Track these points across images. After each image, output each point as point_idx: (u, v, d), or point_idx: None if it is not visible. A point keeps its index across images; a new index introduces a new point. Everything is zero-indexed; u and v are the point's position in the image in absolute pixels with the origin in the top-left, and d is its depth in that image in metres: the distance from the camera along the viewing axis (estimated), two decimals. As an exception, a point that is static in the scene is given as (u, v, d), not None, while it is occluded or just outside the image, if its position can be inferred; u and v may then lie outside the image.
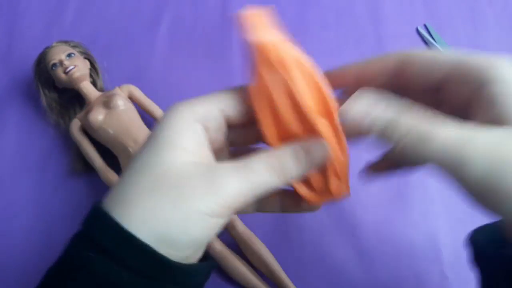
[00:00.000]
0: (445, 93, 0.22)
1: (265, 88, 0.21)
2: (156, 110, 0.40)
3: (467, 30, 0.45)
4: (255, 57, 0.21)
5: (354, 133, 0.21)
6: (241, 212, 0.26)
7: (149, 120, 0.40)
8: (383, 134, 0.20)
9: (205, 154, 0.21)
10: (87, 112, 0.38)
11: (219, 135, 0.22)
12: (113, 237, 0.18)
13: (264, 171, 0.20)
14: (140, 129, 0.38)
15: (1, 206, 0.39)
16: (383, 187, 0.38)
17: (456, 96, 0.22)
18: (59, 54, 0.39)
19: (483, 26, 0.46)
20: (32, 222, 0.39)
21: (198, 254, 0.21)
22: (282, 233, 0.37)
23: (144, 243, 0.18)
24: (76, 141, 0.39)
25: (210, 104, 0.21)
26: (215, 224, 0.19)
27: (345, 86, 0.25)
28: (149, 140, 0.20)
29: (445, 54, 0.22)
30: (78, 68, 0.39)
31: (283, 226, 0.37)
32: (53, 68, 0.39)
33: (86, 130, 0.39)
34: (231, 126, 0.22)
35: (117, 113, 0.37)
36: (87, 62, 0.41)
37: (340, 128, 0.22)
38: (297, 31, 0.46)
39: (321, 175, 0.23)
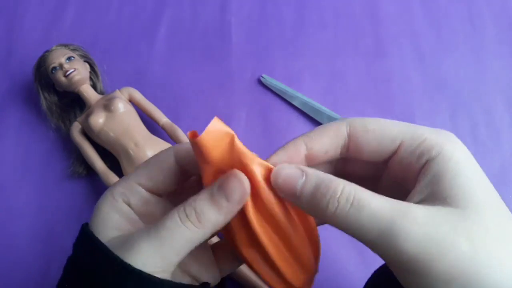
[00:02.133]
0: (391, 165, 0.21)
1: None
2: (156, 112, 0.40)
3: (466, 29, 0.46)
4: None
5: (286, 196, 0.20)
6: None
7: (149, 122, 0.40)
8: (315, 196, 0.19)
9: (128, 225, 0.21)
10: (88, 115, 0.38)
11: (147, 205, 0.22)
12: None
13: (180, 225, 0.19)
14: (140, 132, 0.38)
15: (3, 210, 0.39)
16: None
17: (401, 169, 0.20)
18: (59, 57, 0.39)
19: (481, 25, 0.46)
20: (33, 225, 0.39)
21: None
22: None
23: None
24: (77, 144, 0.39)
25: (129, 182, 0.22)
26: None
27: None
28: (95, 215, 0.22)
29: (398, 124, 0.21)
30: (78, 71, 0.39)
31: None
32: (53, 71, 0.39)
33: (87, 133, 0.39)
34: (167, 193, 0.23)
35: (118, 116, 0.37)
36: (87, 65, 0.41)
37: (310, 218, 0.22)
38: (295, 31, 0.46)
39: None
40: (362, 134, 0.21)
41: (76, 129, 0.39)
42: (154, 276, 0.19)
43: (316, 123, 0.41)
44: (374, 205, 0.18)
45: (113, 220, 0.21)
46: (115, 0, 0.48)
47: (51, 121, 0.41)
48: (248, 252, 0.22)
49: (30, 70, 0.42)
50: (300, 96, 0.42)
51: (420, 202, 0.19)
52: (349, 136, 0.21)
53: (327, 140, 0.21)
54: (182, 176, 0.23)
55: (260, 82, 0.44)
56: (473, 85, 0.43)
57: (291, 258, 0.22)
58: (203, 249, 0.24)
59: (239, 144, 0.20)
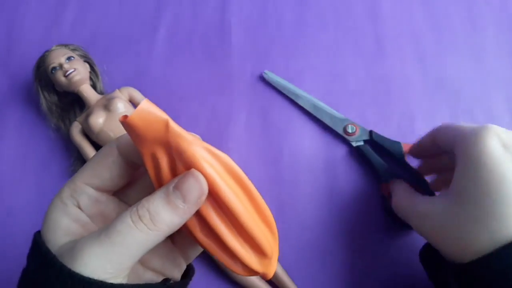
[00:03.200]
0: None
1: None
2: (156, 112, 0.40)
3: (466, 30, 0.46)
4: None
5: None
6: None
7: (149, 122, 0.40)
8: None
9: (79, 229, 0.21)
10: (88, 115, 0.38)
11: (98, 204, 0.21)
12: None
13: (132, 227, 0.18)
14: (140, 132, 0.38)
15: (3, 209, 0.39)
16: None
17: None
18: (59, 57, 0.39)
19: (481, 25, 0.46)
20: (33, 226, 0.38)
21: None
22: (283, 233, 0.37)
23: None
24: (77, 144, 0.39)
25: (75, 182, 0.21)
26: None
27: (419, 153, 0.34)
28: (44, 221, 0.21)
29: (454, 130, 0.27)
30: (78, 71, 0.39)
31: (285, 227, 0.37)
32: (53, 71, 0.39)
33: (87, 133, 0.39)
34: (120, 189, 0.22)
35: (118, 115, 0.37)
36: (87, 65, 0.41)
37: (259, 198, 0.21)
38: (295, 31, 0.46)
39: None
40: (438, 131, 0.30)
41: (76, 129, 0.39)
42: (106, 282, 0.18)
43: (318, 121, 0.41)
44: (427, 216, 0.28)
45: (62, 225, 0.20)
46: (115, 0, 0.48)
47: (51, 121, 0.41)
48: (201, 237, 0.21)
49: (30, 70, 0.42)
50: (302, 94, 0.42)
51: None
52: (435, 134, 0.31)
53: (429, 135, 0.32)
54: (129, 168, 0.22)
55: (260, 81, 0.44)
56: (473, 85, 0.43)
57: (245, 242, 0.21)
58: (161, 242, 0.23)
59: (175, 127, 0.19)
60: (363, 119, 0.41)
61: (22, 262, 0.37)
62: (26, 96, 0.44)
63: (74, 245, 0.19)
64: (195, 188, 0.18)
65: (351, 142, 0.39)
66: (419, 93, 0.43)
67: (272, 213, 0.23)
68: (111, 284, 0.18)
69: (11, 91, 0.44)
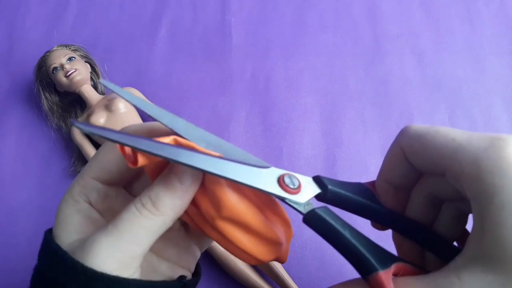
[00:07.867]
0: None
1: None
2: (156, 112, 0.40)
3: (464, 29, 0.46)
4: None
5: None
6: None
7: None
8: None
9: (90, 226, 0.21)
10: (89, 115, 0.38)
11: (107, 199, 0.21)
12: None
13: (137, 215, 0.18)
14: (141, 132, 0.38)
15: (4, 210, 0.39)
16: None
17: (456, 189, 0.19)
18: (60, 58, 0.39)
19: (479, 25, 0.46)
20: (34, 225, 0.39)
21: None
22: (283, 233, 0.37)
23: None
24: (78, 144, 0.39)
25: (85, 178, 0.21)
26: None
27: (389, 184, 0.23)
28: (56, 219, 0.21)
29: (445, 141, 0.19)
30: (79, 71, 0.39)
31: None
32: (54, 72, 0.39)
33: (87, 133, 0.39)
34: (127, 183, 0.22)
35: (119, 116, 0.38)
36: (88, 66, 0.41)
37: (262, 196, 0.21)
38: (295, 31, 0.47)
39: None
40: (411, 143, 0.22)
41: (77, 129, 0.40)
42: (119, 277, 0.18)
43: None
44: None
45: (73, 223, 0.20)
46: (116, 0, 0.48)
47: (52, 121, 0.41)
48: (212, 233, 0.21)
49: (31, 70, 0.42)
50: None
51: (466, 261, 0.17)
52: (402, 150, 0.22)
53: (388, 159, 0.23)
54: None
55: (260, 81, 0.44)
56: (472, 85, 0.43)
57: (253, 235, 0.21)
58: (175, 231, 0.23)
59: (183, 141, 0.19)
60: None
61: (23, 260, 0.37)
62: (27, 96, 0.44)
63: (86, 240, 0.19)
64: (192, 172, 0.19)
65: (296, 207, 0.22)
66: (418, 93, 0.43)
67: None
68: (125, 279, 0.18)
69: (12, 91, 0.44)
